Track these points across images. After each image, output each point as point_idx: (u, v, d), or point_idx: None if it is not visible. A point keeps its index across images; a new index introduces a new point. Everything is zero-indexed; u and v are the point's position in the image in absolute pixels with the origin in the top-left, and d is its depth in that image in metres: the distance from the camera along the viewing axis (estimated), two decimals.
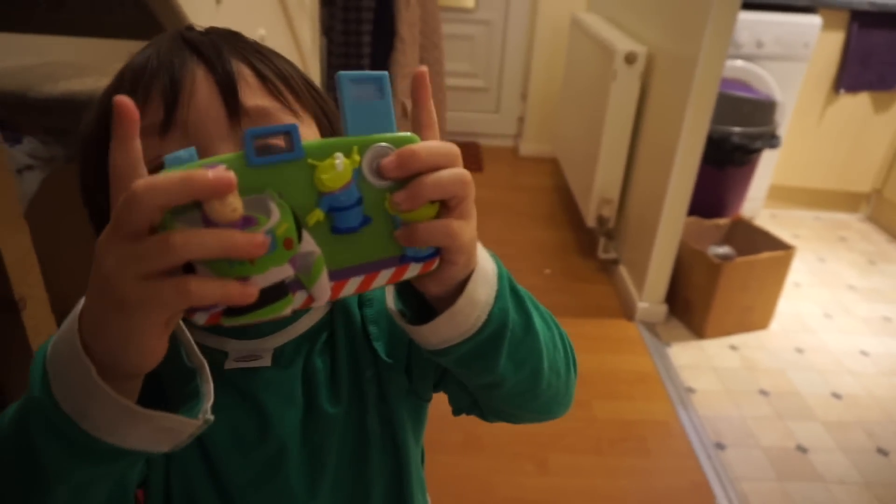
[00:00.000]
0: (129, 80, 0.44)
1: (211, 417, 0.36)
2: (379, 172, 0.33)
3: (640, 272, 2.22)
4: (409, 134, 0.34)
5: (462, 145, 3.34)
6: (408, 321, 0.42)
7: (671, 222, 2.06)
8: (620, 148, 2.33)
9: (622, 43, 2.22)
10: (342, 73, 0.33)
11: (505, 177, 3.39)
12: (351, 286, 0.35)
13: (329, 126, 0.51)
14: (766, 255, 2.09)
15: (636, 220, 2.32)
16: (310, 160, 0.32)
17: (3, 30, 1.21)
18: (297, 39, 1.27)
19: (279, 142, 0.31)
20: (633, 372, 1.97)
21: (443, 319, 0.39)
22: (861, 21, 2.65)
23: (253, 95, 0.44)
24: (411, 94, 0.36)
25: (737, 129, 2.30)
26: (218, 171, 0.29)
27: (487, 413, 0.52)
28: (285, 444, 0.50)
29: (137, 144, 0.31)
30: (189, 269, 0.30)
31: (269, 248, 0.31)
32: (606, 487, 1.57)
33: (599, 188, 2.42)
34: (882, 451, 1.72)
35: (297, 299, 0.33)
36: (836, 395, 1.93)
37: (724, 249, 2.26)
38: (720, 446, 1.72)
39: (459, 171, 0.35)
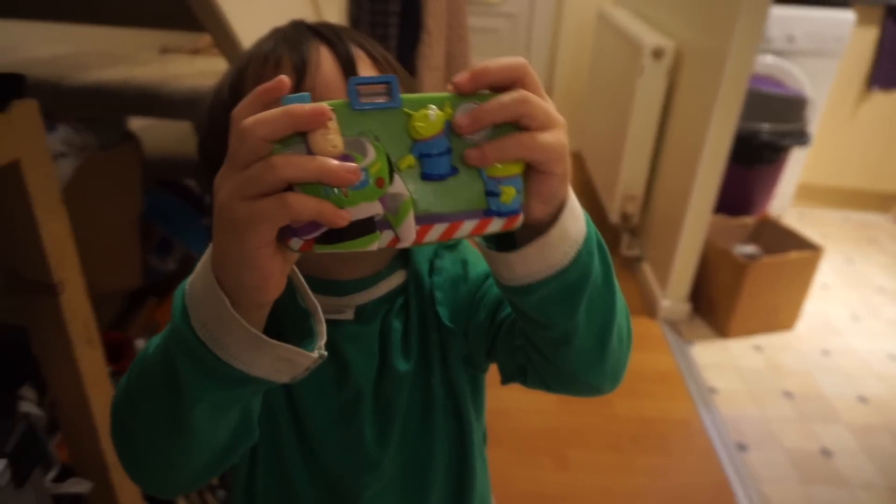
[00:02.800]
0: (262, 55, 0.50)
1: (325, 353, 0.41)
2: (454, 128, 0.35)
3: (663, 270, 2.20)
4: (494, 94, 0.36)
5: None
6: (494, 248, 0.43)
7: (696, 220, 2.04)
8: (646, 144, 2.31)
9: (650, 37, 2.19)
10: (353, 77, 0.35)
11: None
12: (435, 232, 0.36)
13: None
14: (793, 254, 2.06)
15: (661, 217, 2.29)
16: (406, 109, 0.35)
17: (40, 18, 1.23)
18: None
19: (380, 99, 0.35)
20: (654, 370, 1.96)
21: (534, 248, 0.40)
22: None
23: (366, 70, 0.50)
24: (469, 90, 0.36)
25: (766, 126, 2.26)
26: (316, 105, 0.32)
27: (537, 378, 0.53)
28: (361, 392, 0.55)
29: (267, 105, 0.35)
30: None
31: (361, 183, 0.34)
32: (625, 485, 1.56)
33: (624, 184, 2.39)
34: None
35: (384, 237, 0.35)
36: (863, 399, 1.90)
37: (750, 248, 2.23)
38: (742, 447, 1.70)
39: (521, 92, 0.36)
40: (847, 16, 2.47)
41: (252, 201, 0.33)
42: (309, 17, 1.23)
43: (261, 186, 0.33)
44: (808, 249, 2.08)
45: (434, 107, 0.35)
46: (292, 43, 0.49)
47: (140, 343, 1.33)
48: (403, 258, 0.58)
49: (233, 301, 0.36)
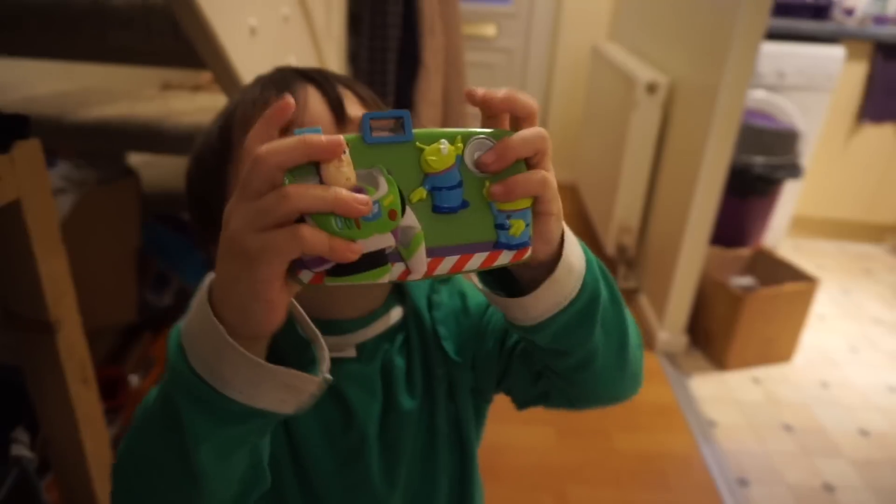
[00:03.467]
0: (249, 100, 0.51)
1: (329, 377, 0.40)
2: (478, 165, 0.37)
3: (660, 302, 2.20)
4: (504, 130, 0.38)
5: None
6: (501, 294, 0.44)
7: (692, 252, 2.05)
8: (641, 176, 2.33)
9: (644, 72, 2.23)
10: (367, 113, 0.35)
11: None
12: (446, 265, 0.37)
13: None
14: (789, 286, 2.06)
15: (657, 249, 2.30)
16: (418, 143, 0.35)
17: (47, 57, 1.25)
18: (325, 65, 1.30)
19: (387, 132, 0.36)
20: (653, 403, 1.94)
21: (544, 287, 0.41)
22: (885, 52, 2.65)
23: (354, 108, 0.52)
24: (497, 106, 0.38)
25: (759, 159, 2.29)
26: (331, 136, 0.33)
27: (561, 400, 0.54)
28: (366, 434, 0.55)
29: (276, 134, 0.36)
30: None
31: (374, 215, 0.34)
32: None
33: (619, 216, 2.41)
34: None
35: (395, 270, 0.36)
36: (864, 432, 1.89)
37: (746, 280, 2.23)
38: (743, 482, 1.68)
39: (540, 131, 0.38)
40: (837, 52, 2.53)
41: (264, 233, 0.33)
42: (309, 53, 1.25)
43: (274, 217, 0.33)
44: (804, 281, 2.09)
45: (445, 141, 0.36)
46: (279, 85, 0.51)
47: (134, 379, 1.32)
48: (400, 294, 0.59)
49: (231, 333, 0.36)
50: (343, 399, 0.54)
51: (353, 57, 1.56)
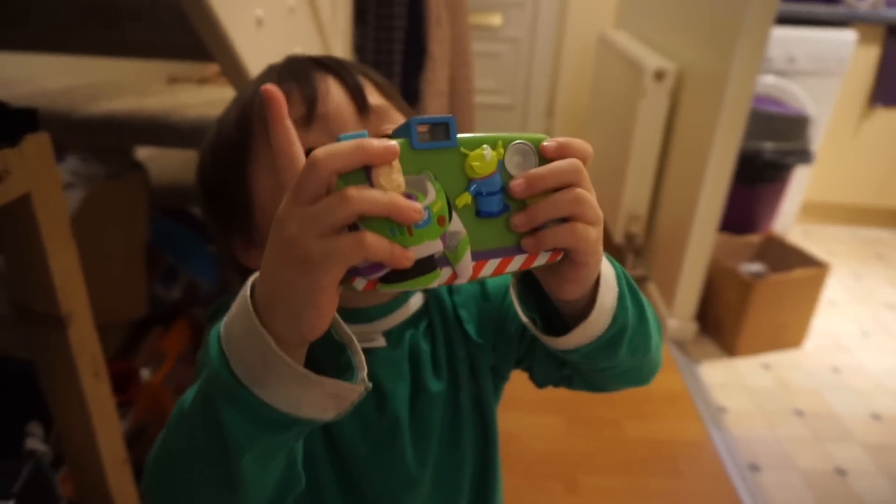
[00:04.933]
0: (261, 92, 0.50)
1: (370, 384, 0.40)
2: (509, 188, 0.37)
3: (669, 289, 2.19)
4: (543, 135, 0.39)
5: None
6: (540, 330, 0.46)
7: (701, 239, 2.04)
8: (649, 164, 2.31)
9: (651, 60, 2.21)
10: (413, 118, 0.35)
11: None
12: (489, 267, 0.38)
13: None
14: (799, 272, 2.05)
15: (665, 236, 2.29)
16: (462, 149, 0.36)
17: (55, 52, 1.25)
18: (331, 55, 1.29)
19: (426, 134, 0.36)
20: (663, 391, 1.94)
21: (578, 330, 0.43)
22: None
23: (374, 96, 0.52)
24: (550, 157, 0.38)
25: (768, 145, 2.27)
26: (386, 141, 0.33)
27: (583, 385, 0.57)
28: (399, 417, 0.56)
29: (290, 123, 0.37)
30: None
31: (424, 222, 0.34)
32: None
33: (628, 205, 2.40)
34: None
35: (443, 275, 0.36)
36: (876, 417, 1.88)
37: (756, 267, 2.22)
38: (755, 468, 1.68)
39: (575, 193, 0.37)
40: (848, 35, 2.49)
41: (327, 239, 0.33)
42: (316, 45, 1.24)
43: (334, 221, 0.33)
44: (815, 266, 2.08)
45: (488, 146, 0.36)
46: (298, 75, 0.50)
47: (145, 373, 1.33)
48: None
49: (277, 339, 0.36)
50: (377, 385, 0.55)
51: (359, 48, 1.55)
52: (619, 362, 0.48)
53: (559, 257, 0.39)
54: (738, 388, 1.98)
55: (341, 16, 1.40)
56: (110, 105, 1.19)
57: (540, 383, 0.60)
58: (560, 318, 0.46)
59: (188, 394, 0.42)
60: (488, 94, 3.52)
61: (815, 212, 3.05)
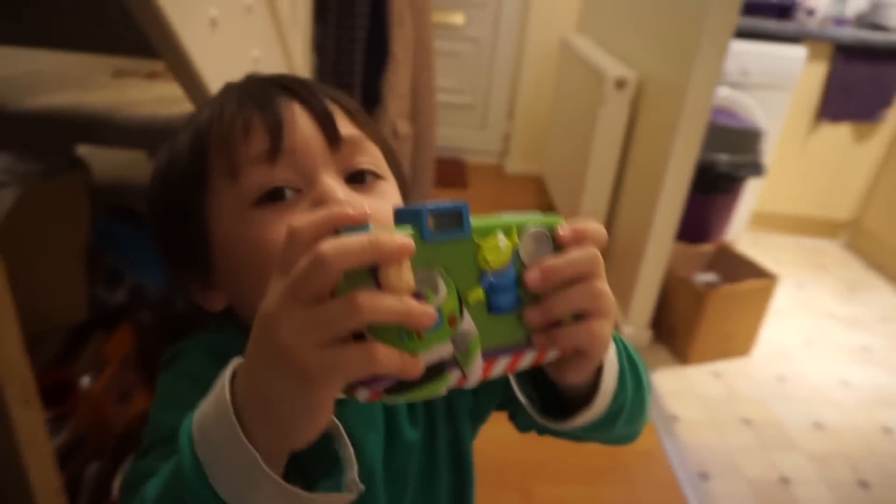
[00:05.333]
0: (226, 117, 0.45)
1: (362, 487, 0.37)
2: (524, 280, 0.34)
3: (625, 297, 2.22)
4: (554, 216, 0.36)
5: (447, 161, 3.29)
6: (538, 411, 0.44)
7: (658, 248, 2.06)
8: (608, 172, 2.33)
9: (613, 68, 2.23)
10: (427, 206, 0.32)
11: (490, 195, 3.38)
12: (499, 367, 0.35)
13: (390, 156, 0.53)
14: (749, 283, 2.10)
15: (623, 244, 2.31)
16: (476, 239, 0.33)
17: None
18: (290, 58, 1.24)
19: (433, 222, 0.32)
20: None
21: (580, 417, 0.42)
22: (844, 54, 2.70)
23: (344, 125, 0.47)
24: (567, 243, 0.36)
25: (723, 157, 2.32)
26: (400, 237, 0.29)
27: (565, 437, 0.54)
28: (372, 469, 0.52)
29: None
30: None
31: (436, 325, 0.31)
32: None
33: (586, 211, 2.41)
34: (863, 484, 1.73)
35: (452, 378, 0.33)
36: (818, 426, 1.94)
37: (708, 276, 2.27)
38: (704, 477, 1.71)
39: (593, 287, 0.35)
40: (799, 52, 2.57)
41: (329, 350, 0.29)
42: (274, 45, 1.19)
43: (339, 330, 0.29)
44: (764, 277, 2.13)
45: (502, 235, 0.33)
46: (260, 101, 0.45)
47: (85, 381, 1.25)
48: None
49: (268, 449, 0.32)
50: (350, 438, 0.51)
51: (319, 47, 1.50)
52: (614, 433, 0.47)
53: (570, 351, 0.37)
54: (690, 397, 2.02)
55: (301, 14, 1.35)
56: (49, 99, 1.11)
57: (521, 428, 0.57)
58: (557, 394, 0.44)
59: (148, 489, 0.37)
60: (449, 93, 3.50)
61: (764, 221, 3.15)
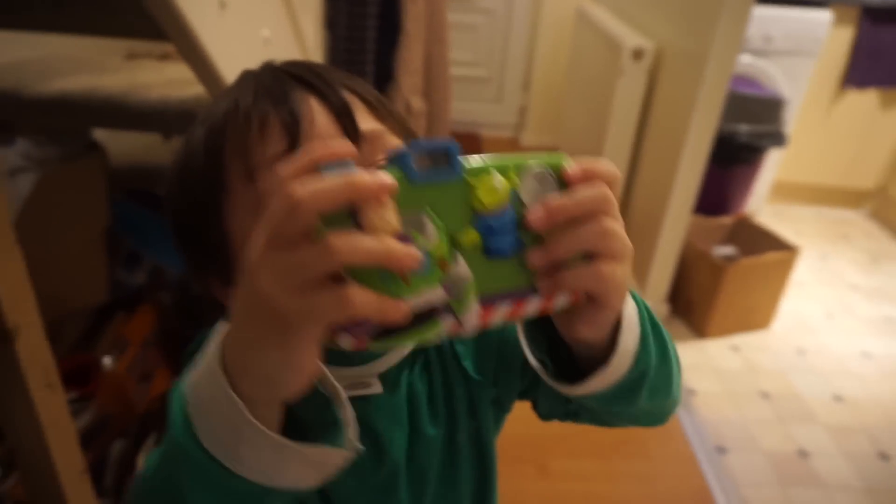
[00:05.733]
0: (241, 112, 0.43)
1: (360, 446, 0.36)
2: (525, 221, 0.32)
3: (642, 270, 2.20)
4: (558, 153, 0.34)
5: (462, 136, 3.26)
6: (551, 375, 0.41)
7: (676, 221, 2.04)
8: (625, 144, 2.29)
9: (629, 38, 2.18)
10: (411, 143, 0.31)
11: None
12: (499, 314, 0.33)
13: (409, 136, 0.51)
14: (769, 255, 2.07)
15: (640, 217, 2.29)
16: (468, 179, 0.31)
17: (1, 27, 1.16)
18: (301, 37, 1.23)
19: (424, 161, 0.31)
20: None
21: (596, 378, 0.39)
22: (872, 17, 2.61)
23: (364, 120, 0.45)
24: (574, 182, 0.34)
25: (744, 128, 2.27)
26: (381, 175, 0.28)
27: (590, 421, 0.53)
28: (398, 466, 0.51)
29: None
30: None
31: (423, 267, 0.30)
32: (607, 492, 1.56)
33: None
34: (884, 456, 1.72)
35: (445, 325, 0.32)
36: (838, 398, 1.93)
37: (728, 250, 2.24)
38: (721, 450, 1.71)
39: (602, 225, 0.33)
40: (824, 15, 2.49)
41: (304, 295, 0.28)
42: (284, 25, 1.18)
43: (313, 273, 0.28)
44: (784, 249, 2.10)
45: (498, 174, 0.31)
46: (276, 96, 0.43)
47: (108, 362, 1.28)
48: None
49: (249, 400, 0.31)
50: (373, 434, 0.50)
51: (331, 24, 1.48)
52: (637, 406, 0.44)
53: (581, 299, 0.35)
54: (708, 370, 2.01)
55: None
56: (64, 84, 1.12)
57: (544, 416, 0.56)
58: (574, 360, 0.42)
59: (150, 458, 0.38)
60: (463, 66, 3.45)
61: (785, 192, 3.09)
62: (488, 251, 0.32)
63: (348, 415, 0.36)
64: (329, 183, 0.28)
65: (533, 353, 0.42)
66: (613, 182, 0.34)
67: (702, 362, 2.04)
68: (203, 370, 0.33)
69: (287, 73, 0.45)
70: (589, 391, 0.40)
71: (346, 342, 0.30)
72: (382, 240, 0.28)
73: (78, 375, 1.15)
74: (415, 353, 0.53)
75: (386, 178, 0.28)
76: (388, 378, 0.51)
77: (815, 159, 3.00)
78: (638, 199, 2.32)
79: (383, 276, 0.29)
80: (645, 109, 2.23)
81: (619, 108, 2.22)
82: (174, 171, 0.48)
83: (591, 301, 0.35)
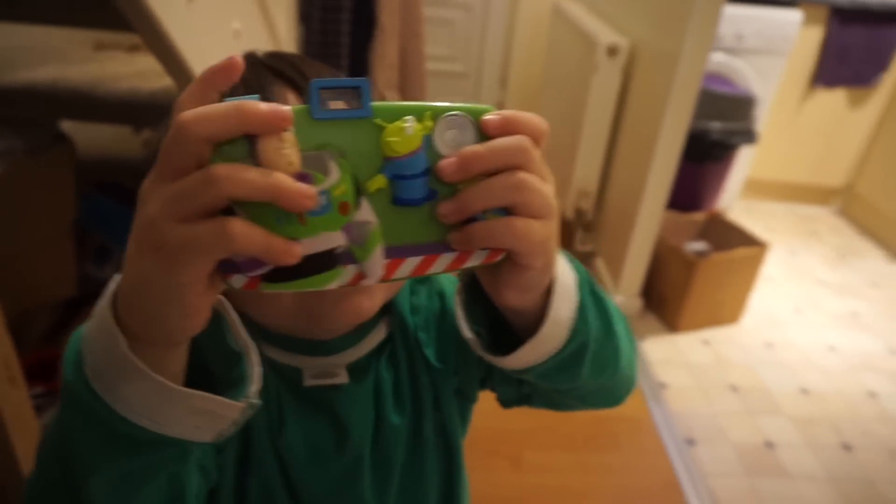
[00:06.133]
0: None
1: (256, 401, 0.34)
2: (437, 169, 0.30)
3: (616, 265, 2.23)
4: (485, 105, 0.32)
5: None
6: (485, 347, 0.40)
7: (649, 216, 2.06)
8: (600, 140, 2.32)
9: (604, 35, 2.19)
10: (315, 80, 0.29)
11: None
12: (406, 267, 0.31)
13: None
14: (740, 251, 2.11)
15: (614, 213, 2.32)
16: (378, 120, 0.29)
17: None
18: (274, 30, 1.23)
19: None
20: None
21: (527, 348, 0.37)
22: (840, 17, 2.67)
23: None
24: (494, 133, 0.32)
25: (716, 125, 2.30)
26: (273, 104, 0.27)
27: (544, 403, 0.53)
28: (361, 455, 0.51)
29: (216, 97, 0.29)
30: None
31: (322, 209, 0.28)
32: (579, 484, 1.58)
33: (578, 180, 2.40)
34: (846, 447, 1.77)
35: (347, 273, 0.30)
36: (804, 391, 1.97)
37: (700, 245, 2.27)
38: (690, 442, 1.74)
39: (517, 177, 0.31)
40: (794, 15, 2.53)
41: (186, 225, 0.27)
42: (256, 17, 1.17)
43: (197, 204, 0.26)
44: (755, 245, 2.14)
45: (412, 118, 0.30)
46: (253, 90, 0.42)
47: None
48: (385, 304, 0.52)
49: (140, 338, 0.30)
50: (338, 421, 0.50)
51: (305, 18, 1.47)
52: (581, 383, 0.43)
53: (499, 257, 0.33)
54: (679, 364, 2.04)
55: None
56: (29, 74, 1.10)
57: (503, 403, 0.56)
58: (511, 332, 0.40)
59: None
60: (441, 61, 3.45)
61: (757, 188, 3.14)
62: (397, 199, 0.30)
63: (255, 371, 0.35)
64: (217, 108, 0.27)
65: (468, 324, 0.41)
66: (539, 135, 0.32)
67: (673, 356, 2.08)
68: (97, 307, 0.32)
69: (267, 67, 0.45)
70: (522, 363, 0.39)
71: (238, 282, 0.29)
72: (271, 174, 0.27)
73: (44, 370, 1.13)
74: (383, 344, 0.53)
75: (277, 108, 0.27)
76: (356, 368, 0.51)
77: (786, 157, 3.06)
78: (612, 195, 2.35)
79: (277, 215, 0.28)
80: (620, 106, 2.25)
81: (594, 105, 2.24)
82: (146, 163, 0.48)
83: (510, 261, 0.33)
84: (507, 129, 0.31)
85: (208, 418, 0.33)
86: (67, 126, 1.37)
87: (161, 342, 0.31)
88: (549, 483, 1.57)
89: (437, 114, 0.30)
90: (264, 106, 0.27)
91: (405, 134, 0.29)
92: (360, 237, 0.30)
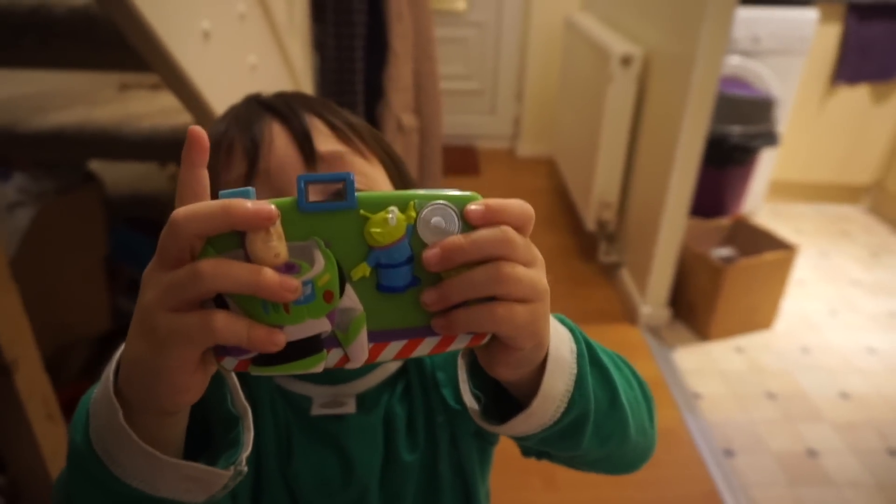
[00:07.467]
0: (214, 141, 0.45)
1: (244, 468, 0.36)
2: (424, 261, 0.31)
3: (642, 275, 2.20)
4: (470, 193, 0.32)
5: (458, 149, 3.27)
6: (483, 413, 0.40)
7: (673, 224, 2.04)
8: (619, 150, 2.31)
9: (618, 45, 2.20)
10: (301, 175, 0.31)
11: (503, 179, 3.37)
12: (390, 351, 0.33)
13: (396, 170, 0.52)
14: (768, 255, 2.07)
15: (637, 222, 2.30)
16: (362, 211, 0.31)
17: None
18: (289, 60, 1.25)
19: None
20: None
21: (518, 420, 0.37)
22: (858, 13, 2.63)
23: (325, 142, 0.47)
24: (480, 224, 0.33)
25: (736, 129, 2.28)
26: (259, 203, 0.29)
27: (562, 463, 0.52)
28: (367, 488, 0.52)
29: (205, 174, 0.31)
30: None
31: (306, 298, 0.30)
32: (615, 500, 1.56)
33: (599, 192, 2.39)
34: (893, 452, 1.71)
35: (332, 357, 0.32)
36: (845, 395, 1.92)
37: (726, 251, 2.24)
38: (729, 453, 1.70)
39: (499, 269, 0.31)
40: (810, 14, 2.51)
41: (176, 314, 0.29)
42: (270, 50, 1.20)
43: (186, 295, 0.29)
44: (783, 248, 2.10)
45: (395, 209, 0.31)
46: (243, 123, 0.46)
47: None
48: None
49: (137, 408, 0.32)
50: (344, 453, 0.51)
51: (320, 46, 1.50)
52: (584, 452, 0.43)
53: (484, 340, 0.34)
54: (712, 373, 2.00)
55: (298, 15, 1.35)
56: (58, 117, 1.14)
57: (523, 452, 0.54)
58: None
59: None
60: (456, 79, 3.49)
61: (783, 190, 3.09)
62: (381, 287, 0.32)
63: (249, 438, 0.37)
64: (206, 206, 0.29)
65: (470, 386, 0.41)
66: (523, 223, 0.32)
67: (706, 365, 2.04)
68: (104, 373, 0.34)
69: (259, 102, 0.48)
70: (517, 432, 0.39)
71: (230, 364, 0.31)
72: (254, 269, 0.28)
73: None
74: (396, 376, 0.54)
75: (263, 206, 0.28)
76: (365, 399, 0.51)
77: (811, 156, 3.01)
78: (634, 204, 2.33)
79: (264, 304, 0.30)
80: (636, 115, 2.24)
81: (611, 115, 2.24)
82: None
83: (499, 342, 0.34)
84: (490, 219, 0.31)
85: (199, 484, 0.35)
86: (95, 165, 1.41)
87: (155, 413, 0.33)
88: (584, 499, 1.55)
89: (420, 204, 0.31)
90: (250, 205, 0.28)
91: (388, 225, 0.31)
92: (345, 323, 0.31)
